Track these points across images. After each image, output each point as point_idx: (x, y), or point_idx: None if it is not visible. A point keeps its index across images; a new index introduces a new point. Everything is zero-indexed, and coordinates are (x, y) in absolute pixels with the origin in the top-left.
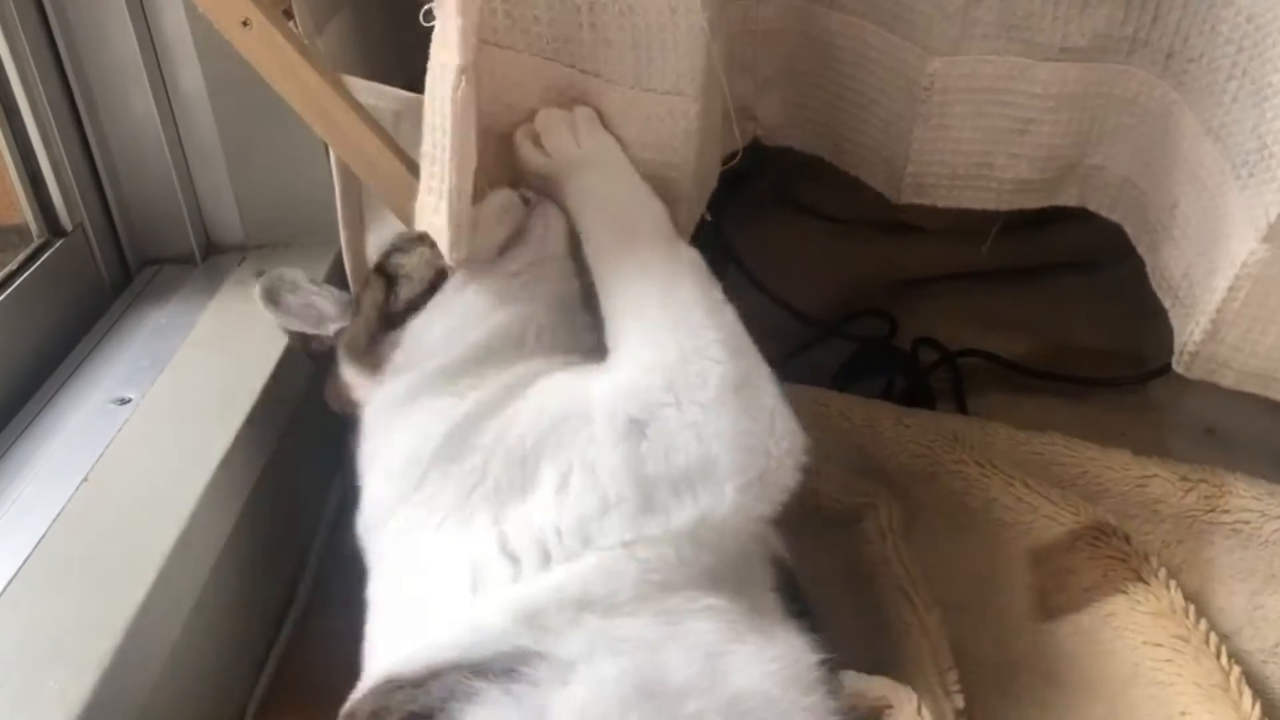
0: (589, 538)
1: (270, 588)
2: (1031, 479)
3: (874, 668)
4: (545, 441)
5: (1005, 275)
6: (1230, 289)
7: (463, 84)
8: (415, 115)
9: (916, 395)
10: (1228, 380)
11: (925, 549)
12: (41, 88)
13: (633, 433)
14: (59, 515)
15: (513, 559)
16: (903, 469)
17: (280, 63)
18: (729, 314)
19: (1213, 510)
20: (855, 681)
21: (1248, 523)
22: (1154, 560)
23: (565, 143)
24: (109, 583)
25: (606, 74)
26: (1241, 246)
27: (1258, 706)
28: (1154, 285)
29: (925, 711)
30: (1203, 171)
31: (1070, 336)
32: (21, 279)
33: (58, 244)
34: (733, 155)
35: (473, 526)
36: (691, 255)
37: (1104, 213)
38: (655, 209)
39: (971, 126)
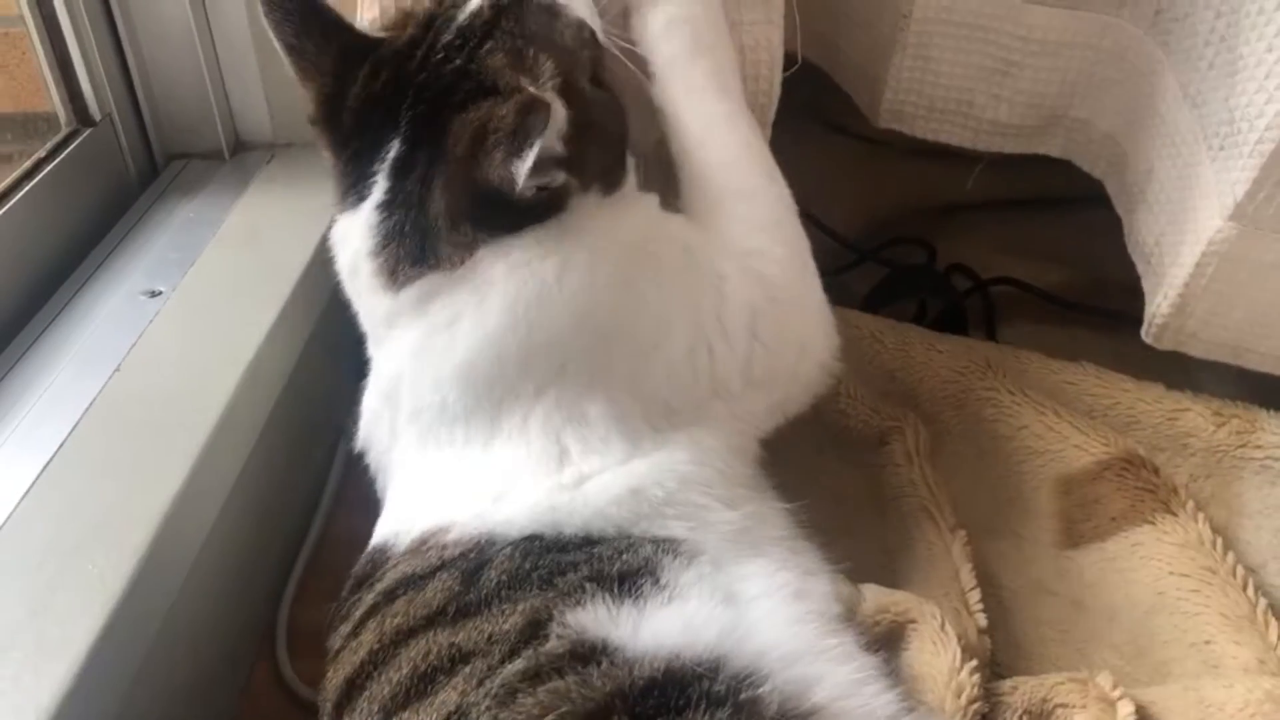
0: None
1: (301, 480)
2: (1062, 408)
3: (897, 587)
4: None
5: (1040, 205)
6: (1197, 265)
7: None
8: None
9: (949, 321)
10: (1196, 351)
11: (952, 474)
12: None
13: (753, 323)
14: (92, 403)
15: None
16: (932, 393)
17: None
18: None
19: (1244, 446)
20: (878, 595)
21: (1278, 460)
22: (1182, 493)
23: None
24: (144, 471)
25: None
26: (1209, 222)
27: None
28: (1129, 248)
29: (948, 627)
30: (1178, 138)
31: (1103, 269)
32: (50, 166)
33: (86, 133)
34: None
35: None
36: None
37: (1086, 168)
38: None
39: (951, 61)
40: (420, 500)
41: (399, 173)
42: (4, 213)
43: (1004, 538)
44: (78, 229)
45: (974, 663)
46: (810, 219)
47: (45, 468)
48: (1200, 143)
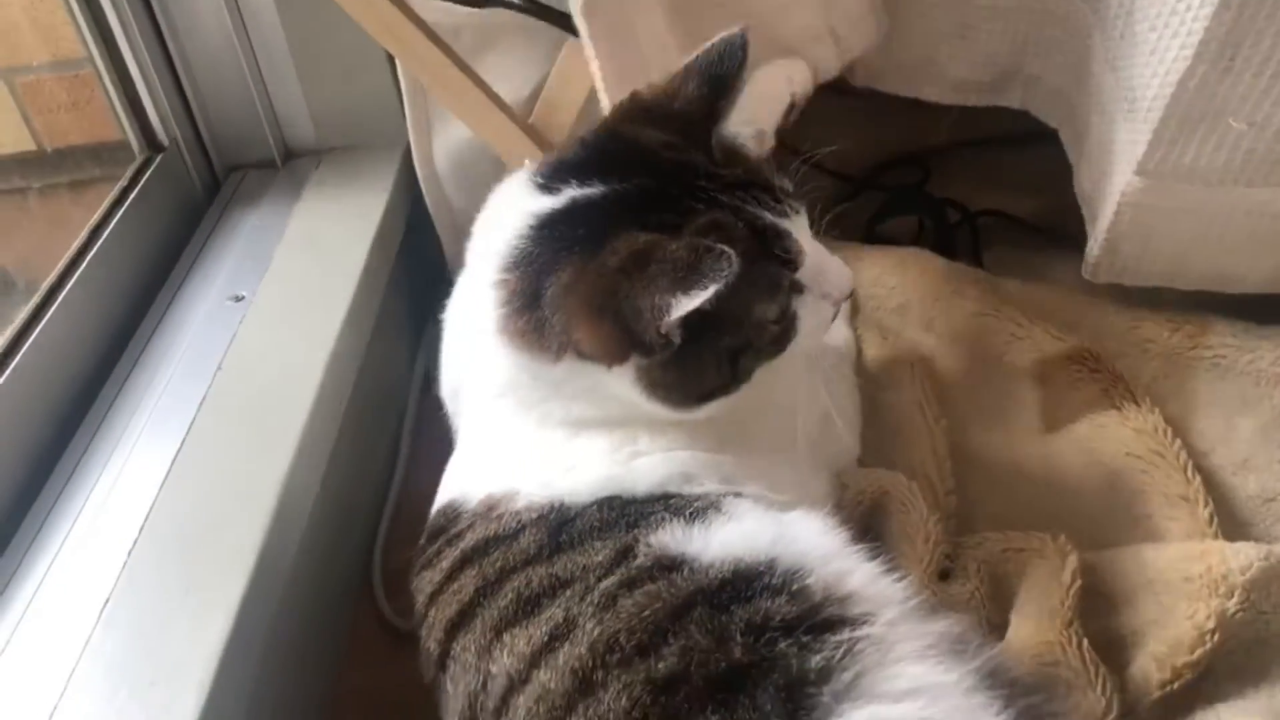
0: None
1: (380, 446)
2: (1037, 316)
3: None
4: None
5: (1017, 141)
6: (1116, 212)
7: None
8: (475, 29)
9: (941, 245)
10: (1132, 281)
11: (949, 375)
12: (131, 16)
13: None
14: (204, 400)
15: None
16: (925, 304)
17: None
18: None
19: (1196, 347)
20: (855, 478)
21: (1225, 357)
22: (1141, 391)
23: None
24: (260, 452)
25: None
26: (1123, 176)
27: (1209, 510)
28: (1075, 193)
29: (914, 488)
30: (1104, 97)
31: (1074, 196)
32: (134, 192)
33: (158, 158)
34: None
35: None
36: None
37: (1043, 119)
38: None
39: (916, 27)
40: (488, 465)
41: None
42: (104, 239)
43: (994, 430)
44: (161, 244)
45: (937, 515)
46: (815, 165)
47: (176, 457)
48: (1119, 103)
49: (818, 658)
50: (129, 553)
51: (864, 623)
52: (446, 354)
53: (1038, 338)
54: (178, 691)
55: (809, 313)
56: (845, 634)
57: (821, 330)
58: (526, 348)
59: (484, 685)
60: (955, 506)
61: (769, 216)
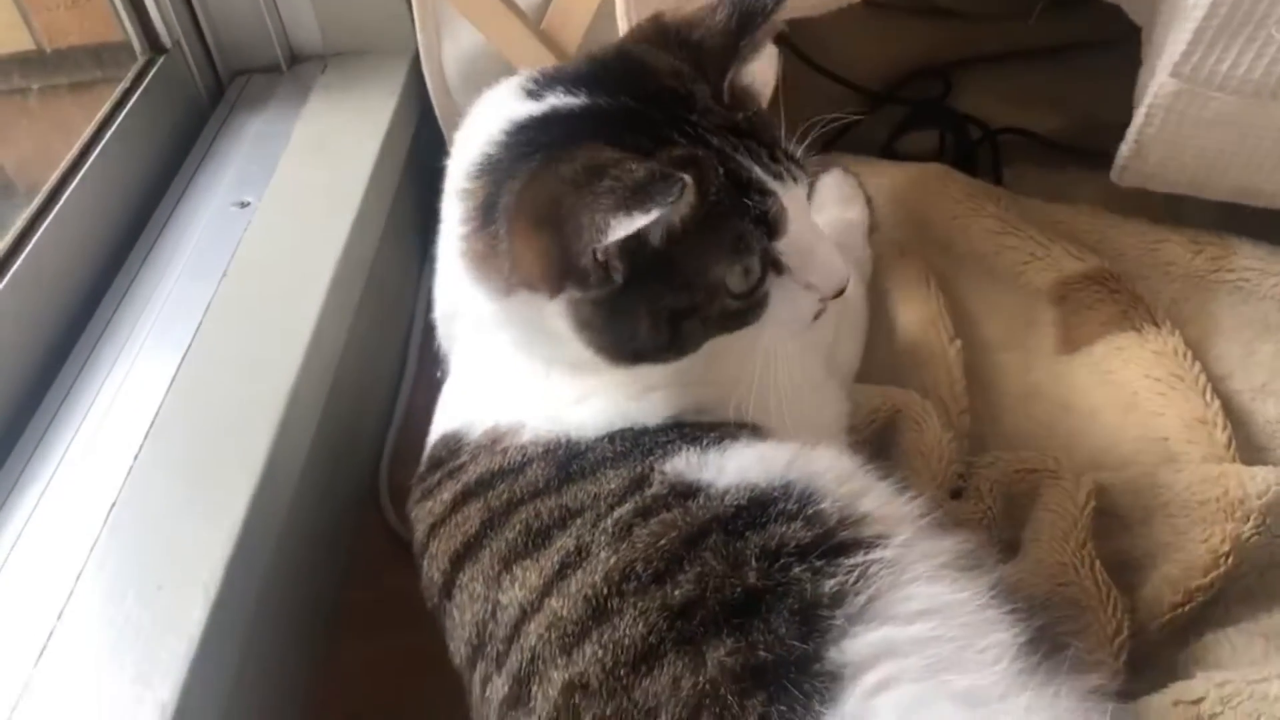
0: None
1: (386, 361)
2: (1057, 235)
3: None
4: None
5: (1039, 55)
6: (1147, 113)
7: None
8: None
9: (962, 162)
10: (1157, 188)
11: (967, 295)
12: None
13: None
14: (209, 306)
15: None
16: (945, 219)
17: None
18: None
19: (1218, 270)
20: (868, 396)
21: (1249, 280)
22: (1161, 313)
23: None
24: (267, 360)
25: None
26: (1160, 76)
27: (1227, 434)
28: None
29: (928, 405)
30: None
31: (1096, 113)
32: (136, 95)
33: (160, 60)
34: None
35: None
36: None
37: (1129, 13)
38: None
39: None
40: (489, 397)
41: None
42: (105, 142)
43: (1010, 350)
44: (163, 149)
45: (951, 433)
46: (836, 77)
47: (181, 362)
48: (1169, 5)
49: (832, 582)
50: (135, 458)
51: (878, 545)
52: (440, 275)
53: (1057, 257)
54: (185, 595)
55: (785, 299)
56: (859, 557)
57: (798, 324)
58: (483, 274)
59: (493, 614)
60: (968, 426)
61: (757, 171)
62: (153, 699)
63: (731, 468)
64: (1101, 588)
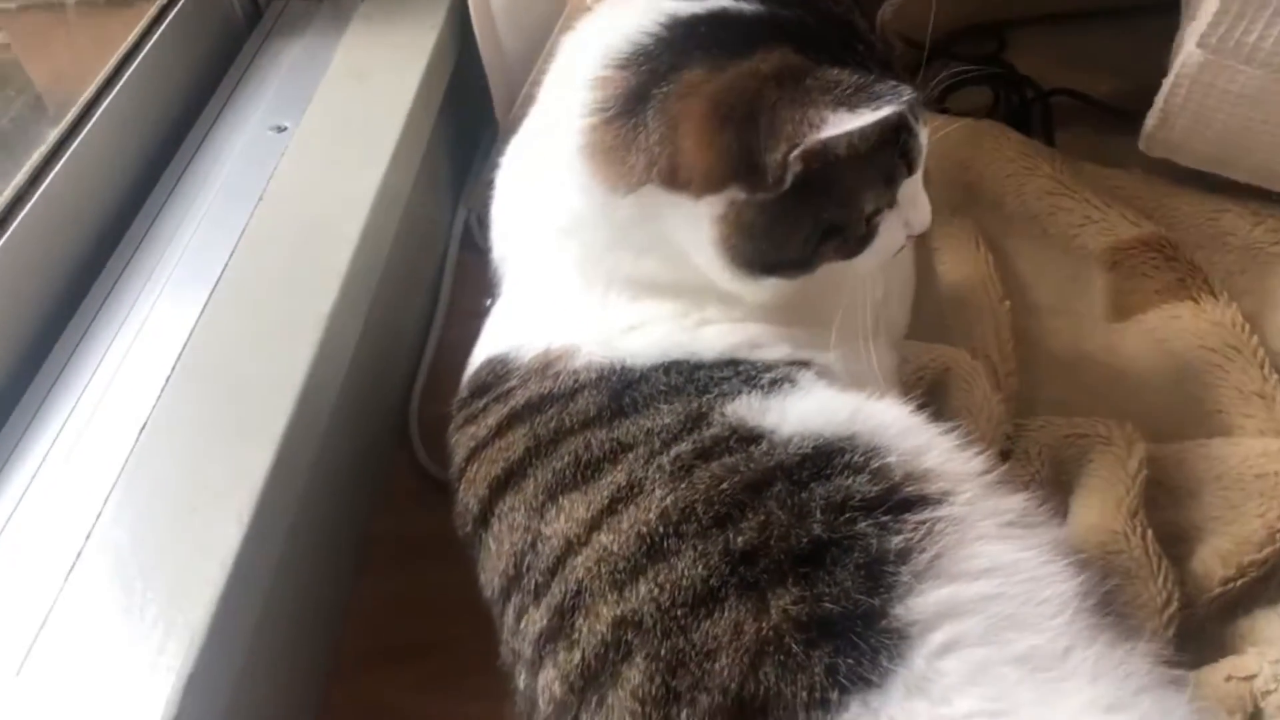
0: None
1: (420, 292)
2: (1113, 199)
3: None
4: None
5: (1098, 16)
6: (1174, 83)
7: None
8: None
9: (1014, 122)
10: (1184, 161)
11: (1017, 256)
12: None
13: None
14: (244, 231)
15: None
16: (997, 177)
17: None
18: None
19: (1278, 242)
20: (916, 353)
21: None
22: (1217, 285)
23: None
24: (303, 289)
25: None
26: (1189, 44)
27: None
28: None
29: (977, 364)
30: None
31: (1156, 79)
32: (172, 14)
33: None
34: None
35: None
36: None
37: None
38: None
39: None
40: (542, 319)
41: None
42: (139, 61)
43: (1060, 315)
44: (199, 70)
45: (1000, 394)
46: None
47: (214, 288)
48: None
49: (898, 539)
50: (167, 379)
51: (942, 501)
52: (500, 196)
53: (1113, 221)
54: (219, 518)
55: (888, 230)
56: (925, 514)
57: (887, 254)
58: (605, 168)
59: (533, 545)
60: (1016, 389)
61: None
62: (183, 623)
63: (794, 415)
64: (1153, 558)
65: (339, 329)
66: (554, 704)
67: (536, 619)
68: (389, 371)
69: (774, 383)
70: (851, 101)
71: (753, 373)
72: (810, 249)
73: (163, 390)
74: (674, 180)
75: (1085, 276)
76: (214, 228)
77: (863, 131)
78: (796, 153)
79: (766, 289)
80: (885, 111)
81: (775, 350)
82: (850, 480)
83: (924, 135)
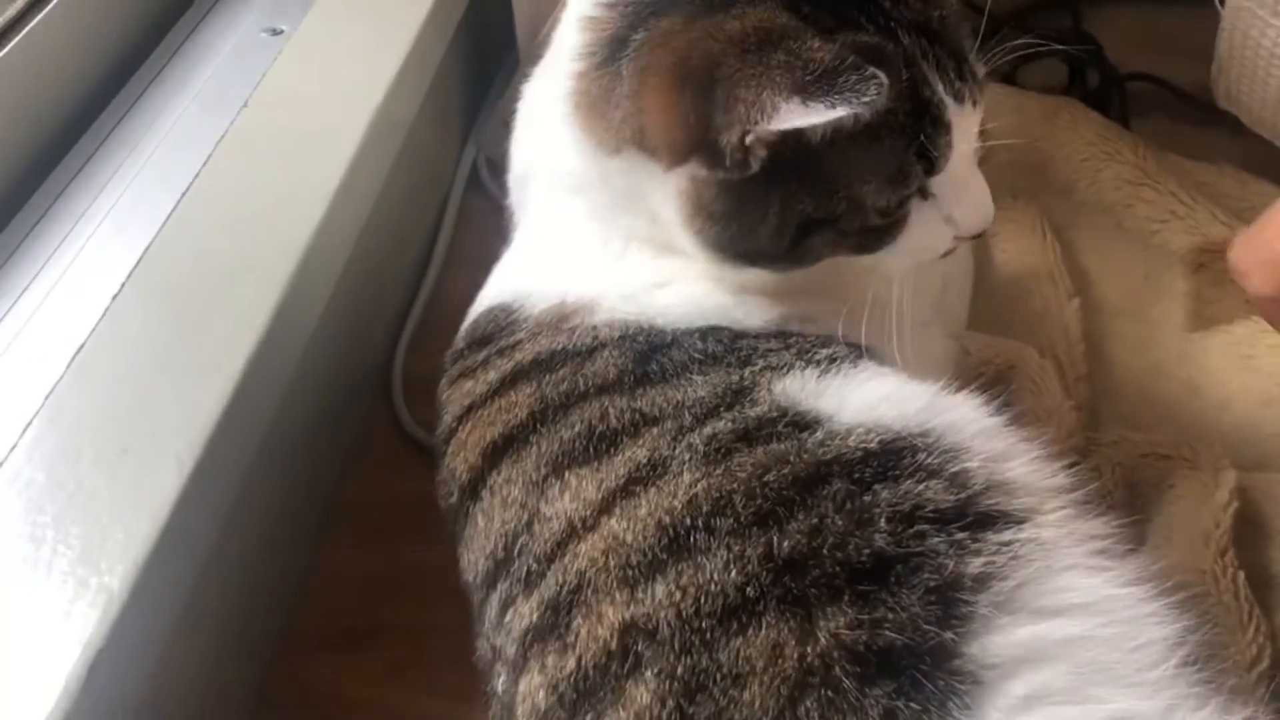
0: None
1: (416, 235)
2: (1200, 194)
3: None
4: None
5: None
6: (1220, 29)
7: None
8: None
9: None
10: (1246, 119)
11: (1085, 250)
12: None
13: None
14: (222, 138)
15: None
16: (1070, 161)
17: None
18: None
19: None
20: (980, 346)
21: None
22: None
23: None
24: (284, 205)
25: None
26: None
27: None
28: None
29: (1047, 367)
30: None
31: None
32: None
33: None
34: None
35: None
36: None
37: None
38: None
39: None
40: (559, 267)
41: None
42: None
43: (1130, 318)
44: None
45: (1072, 402)
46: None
47: (184, 195)
48: None
49: (977, 561)
50: (113, 298)
51: (1027, 520)
52: (519, 131)
53: (1201, 219)
54: (155, 464)
55: (922, 225)
56: (1008, 534)
57: (927, 254)
58: (590, 121)
59: (529, 526)
60: (1087, 397)
61: (940, 91)
62: (98, 584)
63: (856, 401)
64: (1244, 604)
65: (320, 258)
66: (535, 715)
67: (525, 613)
68: (374, 317)
69: (832, 360)
70: (809, 90)
71: (806, 346)
72: (786, 241)
73: (108, 309)
74: (643, 144)
75: (1163, 278)
76: (190, 130)
77: (832, 125)
78: (751, 139)
79: (755, 275)
80: (839, 112)
81: (828, 325)
82: (922, 485)
83: (966, 119)
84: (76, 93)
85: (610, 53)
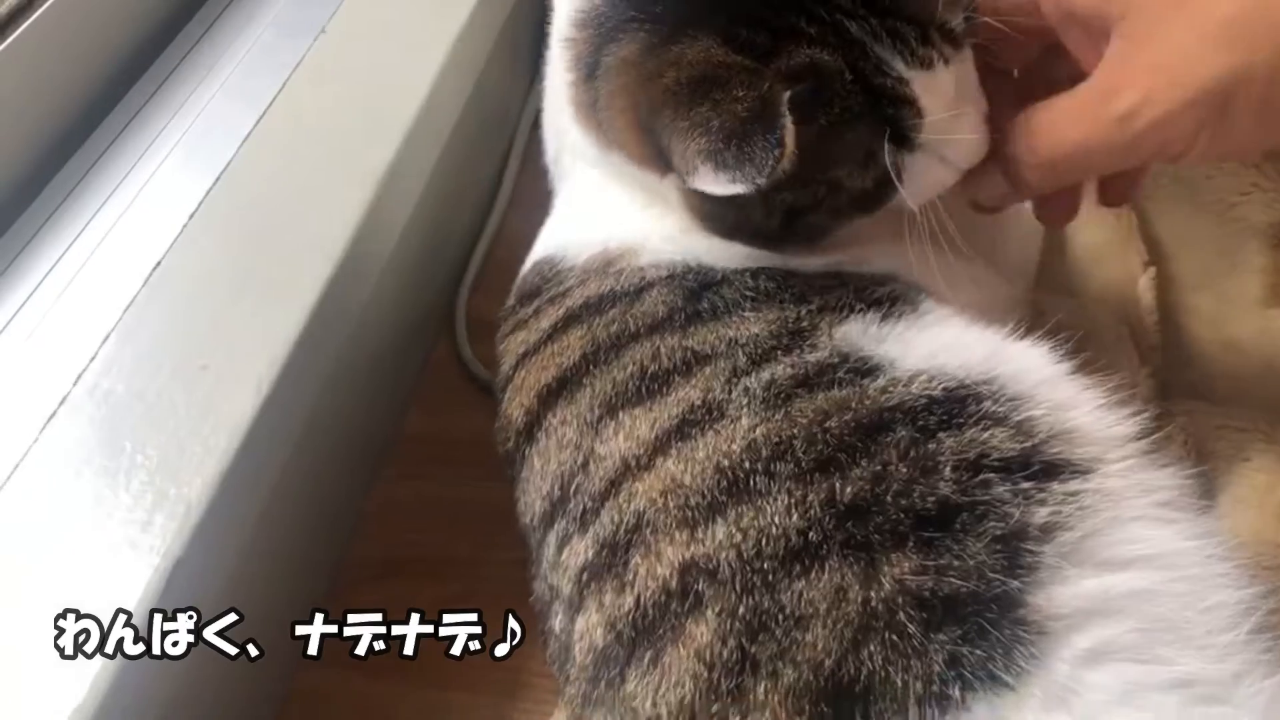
0: None
1: (480, 178)
2: None
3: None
4: None
5: None
6: None
7: None
8: None
9: None
10: None
11: (1156, 217)
12: None
13: None
14: (300, 62)
15: None
16: None
17: None
18: None
19: None
20: (1056, 306)
21: None
22: None
23: None
24: (360, 138)
25: None
26: None
27: None
28: None
29: (1126, 334)
30: None
31: None
32: None
33: None
34: None
35: None
36: None
37: None
38: None
39: None
40: (601, 218)
41: None
42: None
43: (1205, 293)
44: None
45: (1147, 369)
46: None
47: (260, 120)
48: None
49: (1043, 510)
50: (190, 216)
51: (1092, 470)
52: (546, 115)
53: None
54: (234, 381)
55: (918, 172)
56: (1074, 484)
57: (934, 190)
58: (589, 123)
59: (584, 466)
60: (1160, 366)
61: (899, 68)
62: (177, 496)
63: (919, 348)
64: None
65: (394, 191)
66: (593, 653)
67: (581, 550)
68: (441, 252)
69: (892, 300)
70: (718, 160)
71: (863, 284)
72: (778, 221)
73: (184, 228)
74: (629, 157)
75: (1240, 253)
76: (265, 57)
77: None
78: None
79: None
80: (739, 188)
81: (883, 265)
82: (988, 433)
83: (938, 81)
84: (156, 15)
85: (588, 71)
